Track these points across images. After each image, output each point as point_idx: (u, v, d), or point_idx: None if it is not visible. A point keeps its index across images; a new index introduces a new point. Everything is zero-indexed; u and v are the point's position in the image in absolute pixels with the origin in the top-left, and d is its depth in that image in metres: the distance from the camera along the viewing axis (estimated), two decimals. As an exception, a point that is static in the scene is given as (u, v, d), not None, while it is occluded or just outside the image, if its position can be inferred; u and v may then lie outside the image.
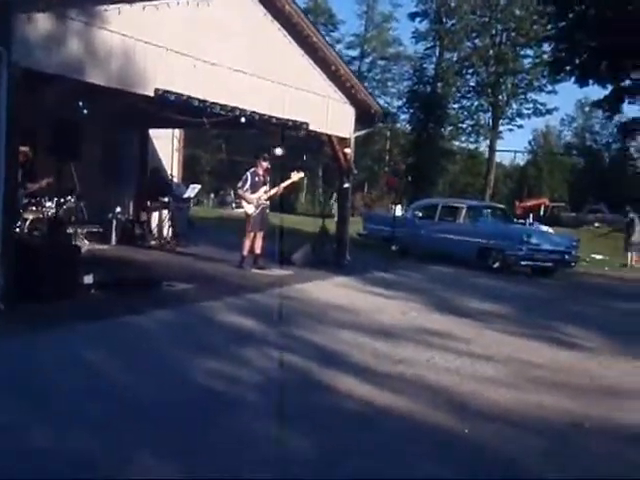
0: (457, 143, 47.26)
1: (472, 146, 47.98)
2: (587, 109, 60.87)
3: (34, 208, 11.34)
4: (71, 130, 7.82)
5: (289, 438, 3.97)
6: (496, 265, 13.70)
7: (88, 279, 7.78)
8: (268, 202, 11.02)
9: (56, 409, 4.16)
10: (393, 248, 14.70)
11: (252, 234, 10.77)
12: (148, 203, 13.15)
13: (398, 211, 17.77)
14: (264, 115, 10.36)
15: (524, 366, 6.01)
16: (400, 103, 46.94)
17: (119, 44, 7.90)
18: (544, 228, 16.80)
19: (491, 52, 42.02)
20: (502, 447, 4.01)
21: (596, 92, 26.31)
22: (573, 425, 4.47)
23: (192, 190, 13.92)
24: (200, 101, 9.09)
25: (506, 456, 3.89)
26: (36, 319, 6.34)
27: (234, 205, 33.92)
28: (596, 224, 32.35)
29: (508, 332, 7.50)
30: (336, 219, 13.52)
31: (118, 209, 13.39)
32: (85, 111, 9.10)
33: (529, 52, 41.94)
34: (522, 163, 62.66)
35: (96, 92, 8.27)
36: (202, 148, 40.34)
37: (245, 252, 10.81)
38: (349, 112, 12.47)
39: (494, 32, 42.25)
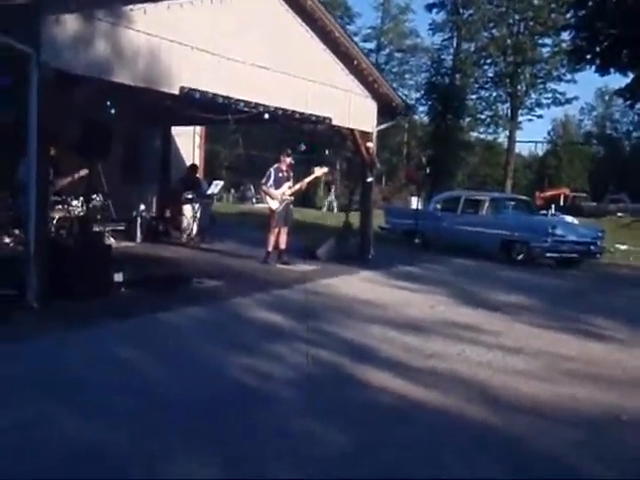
0: (476, 134, 47.04)
1: (491, 137, 47.73)
2: (607, 97, 60.36)
3: (61, 207, 11.50)
4: (100, 130, 7.92)
5: (325, 432, 4.01)
6: (520, 257, 13.63)
7: (118, 277, 7.87)
8: (292, 197, 11.05)
9: (90, 404, 4.23)
10: (416, 241, 14.69)
11: (276, 230, 10.83)
12: (185, 196, 13.25)
13: (416, 203, 17.71)
14: (287, 110, 10.40)
15: (555, 358, 6.00)
16: (418, 95, 46.85)
17: (145, 43, 7.97)
18: (569, 219, 16.65)
19: (509, 42, 41.67)
20: (538, 440, 4.02)
21: (616, 80, 26.05)
22: (608, 417, 4.47)
23: (215, 187, 13.99)
24: (224, 98, 9.15)
25: (543, 449, 3.90)
26: (69, 317, 6.44)
27: (254, 200, 34.03)
28: (619, 214, 32.03)
29: (537, 324, 7.49)
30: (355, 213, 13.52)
31: (142, 207, 13.50)
32: (112, 111, 9.21)
33: (547, 41, 41.61)
34: (541, 153, 62.23)
35: (122, 91, 8.35)
36: (220, 143, 40.47)
37: (270, 248, 10.87)
38: (371, 106, 12.45)
39: (511, 22, 41.89)
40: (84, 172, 9.49)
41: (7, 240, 10.60)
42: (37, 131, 6.73)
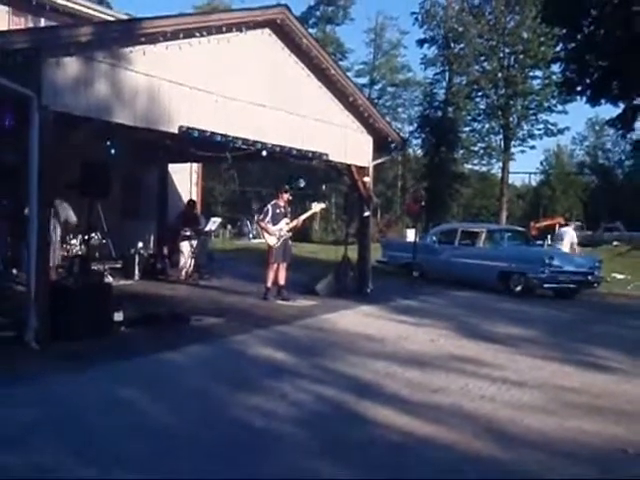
0: (470, 166, 47.38)
1: (485, 169, 48.09)
2: (598, 128, 60.99)
3: (59, 245, 11.50)
4: (99, 171, 7.98)
5: (332, 471, 3.99)
6: (518, 289, 13.63)
7: (118, 316, 7.84)
8: (290, 233, 11.08)
9: (97, 448, 4.19)
10: (414, 274, 14.71)
11: (275, 265, 10.84)
12: (183, 232, 13.26)
13: (412, 236, 17.74)
14: (284, 147, 10.49)
15: (560, 391, 5.99)
16: (411, 128, 47.25)
17: (144, 84, 8.08)
18: (571, 232, 16.39)
19: (500, 75, 42.19)
20: (549, 477, 3.99)
21: (607, 110, 26.44)
22: (617, 451, 4.44)
23: (213, 223, 14.02)
24: (222, 136, 9.24)
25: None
26: (70, 358, 6.41)
27: (251, 236, 34.06)
28: (614, 243, 32.10)
29: (539, 356, 7.47)
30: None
31: (140, 244, 13.52)
32: (113, 151, 9.28)
33: (538, 73, 42.11)
34: (535, 183, 62.61)
35: (122, 131, 8.43)
36: (215, 180, 40.64)
37: (269, 284, 10.86)
38: (367, 141, 12.57)
39: (502, 55, 42.46)
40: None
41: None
42: (38, 172, 6.78)
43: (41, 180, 6.80)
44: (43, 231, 6.97)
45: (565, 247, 15.67)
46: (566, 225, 16.94)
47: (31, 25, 13.23)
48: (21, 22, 13.24)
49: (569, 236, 16.02)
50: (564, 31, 21.58)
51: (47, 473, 3.78)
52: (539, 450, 4.42)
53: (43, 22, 13.47)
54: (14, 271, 10.83)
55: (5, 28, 11.71)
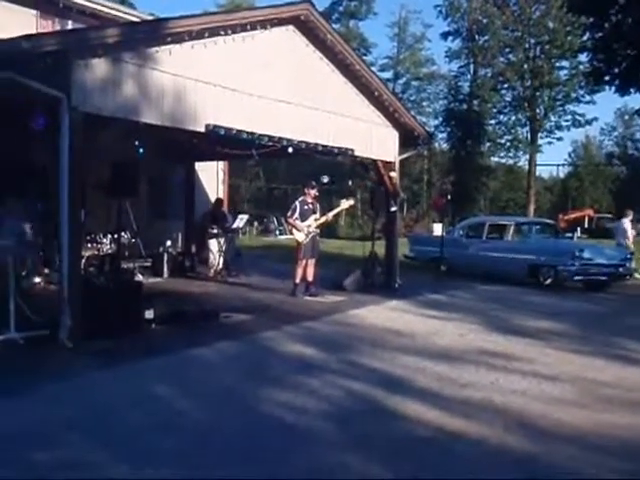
0: (496, 159, 46.97)
1: (511, 161, 47.62)
2: (627, 117, 60.04)
3: (90, 245, 11.70)
4: (128, 170, 8.07)
5: (364, 466, 4.00)
6: (548, 282, 13.50)
7: (149, 314, 7.94)
8: (318, 230, 11.10)
9: (129, 444, 4.26)
10: (442, 268, 14.63)
11: (303, 262, 10.87)
12: (211, 230, 13.37)
13: (439, 230, 17.67)
14: (310, 143, 10.52)
15: (591, 385, 5.92)
16: (437, 122, 47.01)
17: (171, 83, 8.15)
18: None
19: (526, 66, 41.75)
20: (585, 471, 3.96)
21: (636, 100, 25.99)
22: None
23: (240, 220, 14.11)
24: (248, 133, 9.29)
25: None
26: (103, 356, 6.52)
27: (278, 232, 34.20)
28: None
29: (570, 350, 7.40)
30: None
31: (169, 242, 13.66)
32: (141, 150, 9.38)
33: (565, 64, 41.62)
34: (563, 175, 61.89)
35: (149, 130, 8.52)
36: (241, 177, 40.85)
37: (297, 280, 10.90)
38: (393, 136, 12.54)
39: (528, 46, 41.99)
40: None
41: (38, 280, 10.78)
42: (69, 172, 6.89)
43: (72, 180, 6.91)
44: (75, 231, 7.08)
45: (630, 241, 15.39)
46: (622, 217, 16.50)
47: (58, 28, 13.42)
48: (48, 25, 13.42)
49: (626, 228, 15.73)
50: (591, 20, 21.24)
51: (79, 469, 3.84)
52: (571, 444, 4.38)
53: (70, 24, 13.65)
54: (46, 270, 11.02)
55: (33, 31, 11.89)
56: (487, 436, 4.51)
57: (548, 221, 18.79)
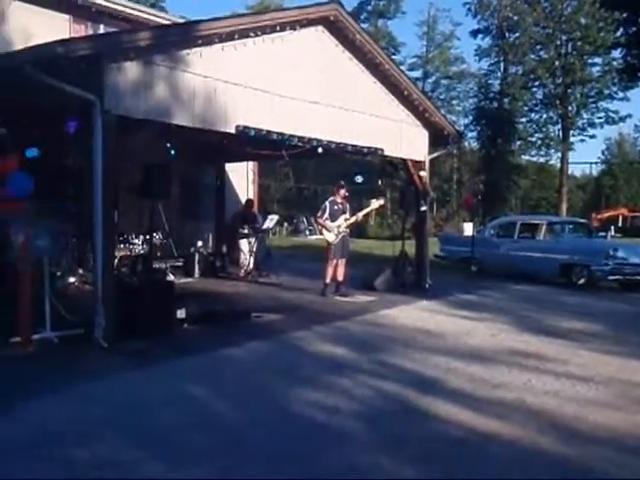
0: (527, 157, 46.45)
1: (543, 159, 47.04)
2: (662, 114, 58.97)
3: (122, 246, 11.86)
4: (160, 172, 8.15)
5: (396, 467, 3.98)
6: (581, 281, 13.33)
7: (181, 313, 8.03)
8: (348, 230, 11.09)
9: (164, 442, 4.31)
10: (472, 268, 14.53)
11: (334, 262, 10.88)
12: (241, 231, 13.46)
13: (469, 230, 17.53)
14: (340, 143, 10.52)
15: (627, 386, 5.83)
16: (467, 121, 46.65)
17: (201, 85, 8.22)
18: None
19: (557, 63, 41.23)
20: (619, 474, 3.90)
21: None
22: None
23: (270, 221, 14.17)
24: (279, 134, 9.32)
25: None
26: (137, 355, 6.62)
27: (308, 232, 34.27)
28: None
29: (604, 351, 7.28)
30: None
31: (200, 243, 13.79)
32: (172, 152, 9.47)
33: (597, 60, 41.00)
34: (596, 173, 60.95)
35: (180, 132, 8.60)
36: (270, 177, 41.00)
37: (327, 280, 10.92)
38: (423, 135, 12.49)
39: (559, 43, 41.46)
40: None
41: (72, 280, 10.96)
42: (102, 174, 6.99)
43: (105, 182, 7.01)
44: (108, 232, 7.18)
45: None
46: None
47: (91, 32, 13.62)
48: (81, 29, 13.64)
49: None
50: (624, 15, 20.93)
51: (117, 467, 3.90)
52: (606, 446, 4.32)
53: (102, 28, 13.84)
54: (80, 271, 11.20)
55: (66, 36, 12.09)
56: (520, 437, 4.47)
57: (581, 220, 18.54)
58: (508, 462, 4.10)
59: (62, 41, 6.74)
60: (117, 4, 14.07)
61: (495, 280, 14.14)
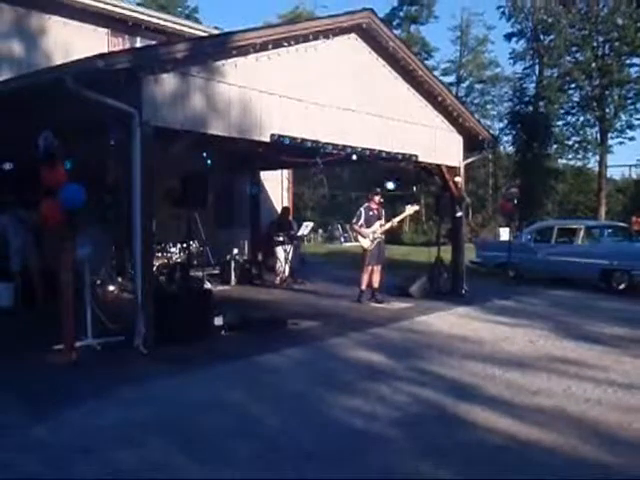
0: (564, 161, 45.72)
1: (580, 163, 46.25)
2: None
3: (160, 254, 12.04)
4: (197, 182, 8.28)
5: (437, 473, 3.98)
6: (621, 287, 13.08)
7: (218, 321, 8.13)
8: (383, 236, 11.08)
9: (204, 447, 4.37)
10: (510, 274, 14.39)
11: (369, 268, 10.88)
12: (277, 238, 13.53)
13: (506, 235, 17.31)
14: (374, 150, 10.54)
15: (672, 394, 5.72)
16: (501, 125, 46.15)
17: (236, 95, 8.32)
18: None
19: (594, 65, 40.51)
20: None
21: None
22: None
23: (305, 228, 14.23)
24: (313, 142, 9.38)
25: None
26: (176, 362, 6.72)
27: (342, 239, 34.27)
28: None
29: (648, 358, 7.16)
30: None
31: (235, 250, 13.91)
32: (209, 162, 9.60)
33: (635, 61, 40.19)
34: (636, 176, 59.66)
35: (216, 142, 8.72)
36: (304, 184, 41.12)
37: (363, 286, 10.92)
38: (457, 140, 12.45)
39: (596, 44, 40.79)
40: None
41: (112, 288, 11.15)
42: (140, 185, 7.13)
43: (143, 192, 7.14)
44: (146, 241, 7.31)
45: None
46: None
47: (128, 44, 13.92)
48: (119, 42, 13.94)
49: None
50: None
51: (160, 470, 3.99)
52: (655, 455, 4.26)
53: (139, 41, 14.13)
54: (120, 279, 11.41)
55: (105, 49, 12.37)
56: (561, 445, 4.42)
57: (620, 224, 18.14)
58: (549, 470, 4.06)
59: (102, 55, 6.89)
60: (153, 16, 14.36)
61: (533, 286, 13.97)
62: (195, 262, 12.62)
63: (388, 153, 10.85)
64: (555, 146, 43.05)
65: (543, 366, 6.72)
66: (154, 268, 10.33)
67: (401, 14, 49.31)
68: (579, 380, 6.15)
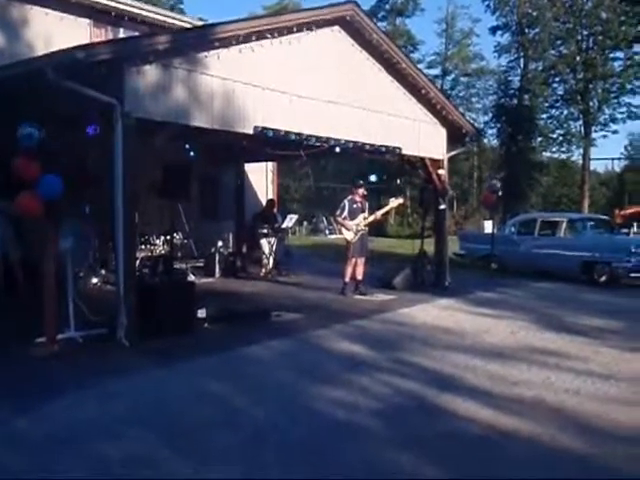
0: (548, 154, 45.98)
1: (564, 156, 46.55)
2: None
3: (143, 246, 11.98)
4: (180, 173, 8.25)
5: (415, 464, 4.01)
6: (603, 279, 13.22)
7: (202, 313, 8.12)
8: (367, 228, 11.11)
9: (188, 439, 4.37)
10: (492, 266, 14.48)
11: (353, 260, 10.91)
12: (261, 230, 13.51)
13: (489, 227, 17.44)
14: (358, 143, 10.55)
15: (649, 384, 5.80)
16: (486, 118, 46.31)
17: (219, 87, 8.30)
18: None
19: (578, 58, 40.72)
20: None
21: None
22: None
23: (290, 220, 14.23)
24: (297, 134, 9.38)
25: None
26: (159, 354, 6.70)
27: (327, 232, 34.30)
28: None
29: (627, 349, 7.22)
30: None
31: (220, 243, 13.88)
32: (192, 153, 9.56)
33: (619, 54, 40.45)
34: (619, 169, 60.14)
35: (199, 134, 8.69)
36: (290, 177, 41.07)
37: (347, 279, 10.95)
38: (441, 133, 12.49)
39: (580, 38, 40.99)
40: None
41: (95, 280, 11.11)
42: (122, 176, 7.09)
43: (125, 184, 7.11)
44: (129, 233, 7.28)
45: None
46: None
47: (111, 35, 13.79)
48: (101, 33, 13.80)
49: None
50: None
51: (145, 464, 3.98)
52: (629, 445, 4.31)
53: (122, 32, 14.00)
54: (102, 271, 11.35)
55: (87, 40, 12.26)
56: (540, 435, 4.47)
57: (602, 217, 18.32)
58: (528, 460, 4.10)
59: (83, 46, 6.85)
60: (136, 7, 14.22)
61: (515, 278, 14.08)
62: (179, 254, 12.59)
63: (372, 145, 10.87)
64: (539, 139, 43.28)
65: (524, 357, 6.78)
66: (137, 260, 10.32)
67: (387, 6, 49.29)
68: (559, 371, 6.22)
